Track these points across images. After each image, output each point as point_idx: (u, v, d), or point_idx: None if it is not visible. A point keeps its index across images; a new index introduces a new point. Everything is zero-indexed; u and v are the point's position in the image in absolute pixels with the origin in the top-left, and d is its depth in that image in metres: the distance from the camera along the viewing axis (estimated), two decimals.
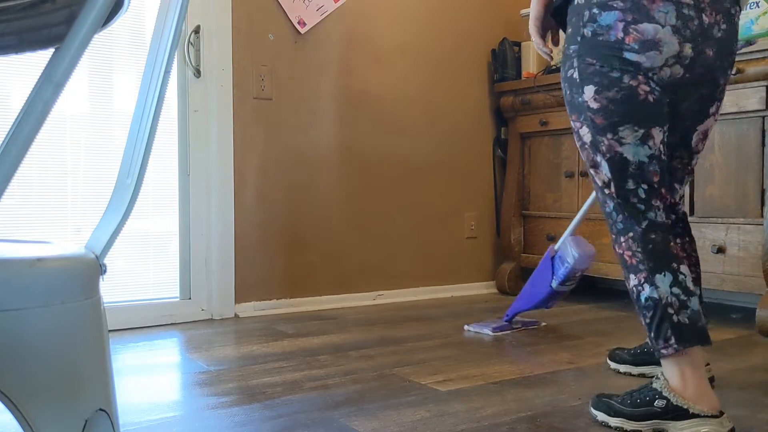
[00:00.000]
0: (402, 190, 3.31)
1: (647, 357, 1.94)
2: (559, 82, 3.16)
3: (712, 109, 1.63)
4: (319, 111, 3.06)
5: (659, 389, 1.49)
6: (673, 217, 1.74)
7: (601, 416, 1.56)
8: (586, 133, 1.55)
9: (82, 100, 2.60)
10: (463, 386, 1.83)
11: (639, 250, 1.50)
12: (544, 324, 2.65)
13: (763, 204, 2.48)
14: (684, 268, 1.49)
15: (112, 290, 2.59)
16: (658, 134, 1.52)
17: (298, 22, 2.98)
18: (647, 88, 1.49)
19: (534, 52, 3.42)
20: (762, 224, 2.44)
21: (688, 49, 1.48)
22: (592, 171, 1.59)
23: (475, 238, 3.53)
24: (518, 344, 2.35)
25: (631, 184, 1.52)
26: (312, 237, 3.05)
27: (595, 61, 1.50)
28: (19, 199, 2.45)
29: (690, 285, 1.49)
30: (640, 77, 1.48)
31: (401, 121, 3.30)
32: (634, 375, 1.95)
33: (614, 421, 1.53)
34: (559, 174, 3.28)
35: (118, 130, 2.66)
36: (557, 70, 3.23)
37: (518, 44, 3.50)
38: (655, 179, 1.52)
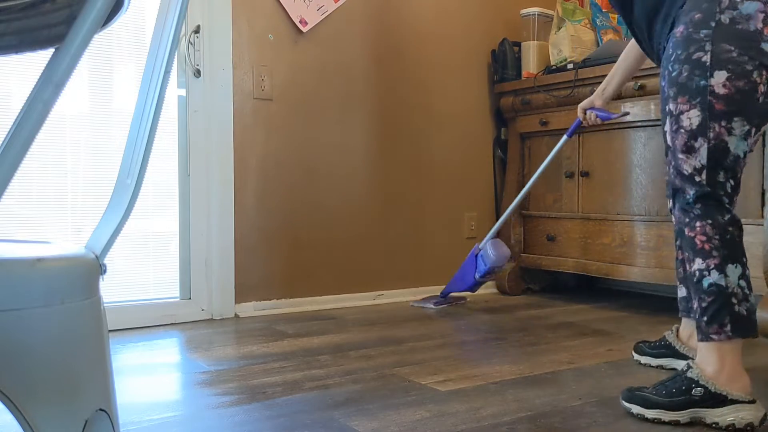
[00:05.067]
0: (402, 190, 3.31)
1: (664, 350, 2.02)
2: (559, 83, 3.19)
3: None
4: (319, 111, 3.06)
5: (695, 378, 1.51)
6: None
7: (636, 409, 1.56)
8: (694, 116, 1.55)
9: (82, 100, 2.60)
10: (463, 386, 1.83)
11: (717, 237, 1.54)
12: (468, 300, 3.21)
13: (763, 204, 2.47)
14: (748, 265, 1.55)
15: (112, 290, 2.59)
16: (754, 135, 1.56)
17: (300, 22, 2.98)
18: (764, 89, 1.52)
19: (534, 52, 3.42)
20: (762, 224, 2.43)
21: None
22: (681, 156, 1.58)
23: (475, 238, 3.53)
24: (518, 344, 2.34)
25: (722, 176, 1.55)
26: (312, 237, 3.05)
27: (733, 48, 1.51)
28: (19, 199, 2.45)
29: (750, 282, 1.55)
30: (764, 74, 1.51)
31: (401, 122, 3.30)
32: (653, 366, 2.02)
33: (651, 413, 1.53)
34: (559, 174, 3.28)
35: (118, 130, 2.66)
36: (557, 70, 3.23)
37: (518, 44, 3.50)
38: (739, 176, 1.57)
